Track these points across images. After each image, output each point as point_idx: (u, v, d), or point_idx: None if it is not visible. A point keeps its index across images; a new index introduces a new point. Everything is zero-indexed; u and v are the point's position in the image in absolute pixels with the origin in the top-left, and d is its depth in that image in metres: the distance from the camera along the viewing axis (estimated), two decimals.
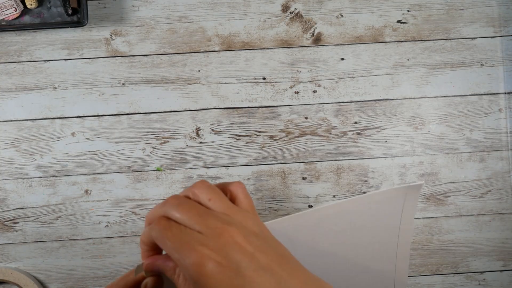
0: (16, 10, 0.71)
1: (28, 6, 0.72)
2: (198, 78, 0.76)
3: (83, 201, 0.76)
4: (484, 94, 0.77)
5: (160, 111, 0.76)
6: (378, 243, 0.38)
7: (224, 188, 0.30)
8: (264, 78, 0.77)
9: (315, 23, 0.77)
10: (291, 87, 0.77)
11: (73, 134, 0.76)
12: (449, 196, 0.78)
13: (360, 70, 0.77)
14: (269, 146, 0.77)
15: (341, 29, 0.77)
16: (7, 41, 0.76)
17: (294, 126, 0.77)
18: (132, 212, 0.76)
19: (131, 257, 0.77)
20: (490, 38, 0.77)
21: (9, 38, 0.76)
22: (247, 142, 0.77)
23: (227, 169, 0.77)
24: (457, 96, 0.77)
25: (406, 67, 0.77)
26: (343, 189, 0.77)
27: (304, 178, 0.77)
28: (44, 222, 0.76)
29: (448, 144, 0.77)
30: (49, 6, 0.73)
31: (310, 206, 0.77)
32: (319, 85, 0.77)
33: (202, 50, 0.76)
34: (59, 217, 0.76)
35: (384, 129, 0.77)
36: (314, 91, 0.77)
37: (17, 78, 0.76)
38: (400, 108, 0.77)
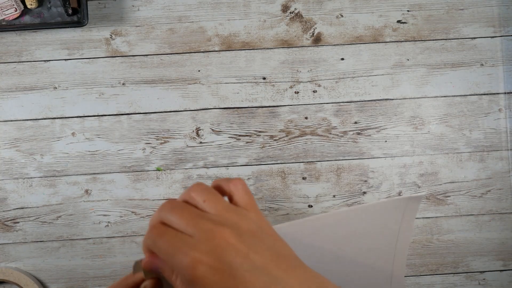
0: (16, 10, 0.71)
1: (28, 6, 0.72)
2: (198, 78, 0.77)
3: (83, 201, 0.76)
4: (484, 94, 0.78)
5: (160, 111, 0.76)
6: (376, 251, 0.38)
7: (223, 186, 0.30)
8: (264, 78, 0.77)
9: (315, 23, 0.77)
10: (291, 87, 0.77)
11: (73, 134, 0.76)
12: (449, 196, 0.78)
13: (360, 70, 0.77)
14: (269, 146, 0.77)
15: (341, 29, 0.77)
16: (7, 41, 0.76)
17: (294, 126, 0.77)
18: (132, 212, 0.76)
19: (131, 257, 0.77)
20: (490, 38, 0.77)
21: (9, 38, 0.76)
22: (247, 142, 0.77)
23: (227, 169, 0.77)
24: (457, 96, 0.78)
25: (406, 67, 0.77)
26: (343, 189, 0.77)
27: (304, 178, 0.77)
28: (44, 222, 0.76)
29: (448, 144, 0.77)
30: (49, 6, 0.73)
31: (310, 206, 0.77)
32: (319, 85, 0.77)
33: (202, 50, 0.76)
34: (59, 217, 0.76)
35: (384, 129, 0.77)
36: (314, 91, 0.77)
37: (17, 78, 0.76)
38: (400, 108, 0.77)
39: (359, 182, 0.77)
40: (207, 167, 0.77)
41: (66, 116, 0.76)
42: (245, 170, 0.77)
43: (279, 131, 0.77)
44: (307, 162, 0.77)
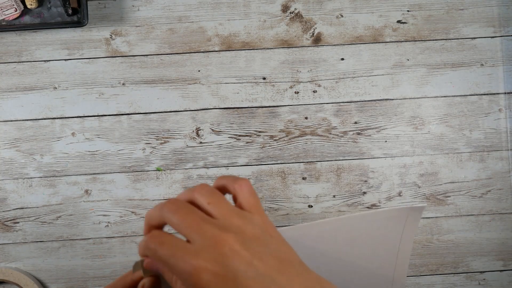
0: (16, 10, 0.71)
1: (28, 6, 0.72)
2: (198, 78, 0.76)
3: (83, 201, 0.76)
4: (484, 94, 0.77)
5: (160, 111, 0.76)
6: (377, 258, 0.38)
7: (228, 186, 0.29)
8: (264, 78, 0.77)
9: (315, 23, 0.77)
10: (291, 87, 0.77)
11: (73, 134, 0.76)
12: (449, 196, 0.78)
13: (360, 70, 0.77)
14: (269, 146, 0.77)
15: (341, 29, 0.77)
16: (7, 41, 0.76)
17: (294, 126, 0.77)
18: (132, 212, 0.76)
19: (131, 257, 0.77)
20: (490, 38, 0.77)
21: (9, 38, 0.76)
22: (247, 142, 0.77)
23: (227, 169, 0.77)
24: (457, 96, 0.77)
25: (406, 67, 0.77)
26: (343, 189, 0.77)
27: (304, 178, 0.77)
28: (44, 222, 0.76)
29: (448, 144, 0.77)
30: (49, 6, 0.73)
31: (310, 206, 0.77)
32: (319, 85, 0.77)
33: (202, 50, 0.76)
34: (59, 217, 0.76)
35: (384, 129, 0.77)
36: (314, 91, 0.77)
37: (17, 78, 0.76)
38: (400, 108, 0.77)
39: (359, 182, 0.77)
40: (207, 167, 0.77)
41: (66, 116, 0.76)
42: (245, 170, 0.77)
43: (279, 131, 0.77)
44: (307, 162, 0.77)
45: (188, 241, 0.26)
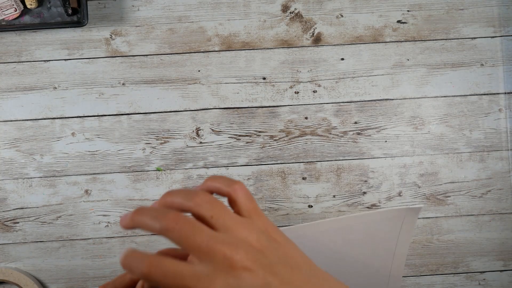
0: (16, 10, 0.71)
1: (28, 6, 0.72)
2: (198, 78, 0.76)
3: (83, 201, 0.76)
4: (484, 94, 0.78)
5: (160, 111, 0.76)
6: (375, 256, 0.38)
7: (221, 190, 0.28)
8: (264, 78, 0.77)
9: (315, 23, 0.77)
10: (291, 87, 0.77)
11: (73, 134, 0.76)
12: (449, 196, 0.78)
13: (360, 70, 0.77)
14: (269, 146, 0.77)
15: (341, 29, 0.77)
16: (7, 41, 0.76)
17: (294, 126, 0.77)
18: None
19: None
20: (490, 38, 0.77)
21: (9, 38, 0.76)
22: (247, 142, 0.77)
23: (227, 169, 0.77)
24: (457, 96, 0.78)
25: (406, 67, 0.77)
26: (343, 189, 0.77)
27: (304, 178, 0.77)
28: (44, 222, 0.76)
29: (448, 144, 0.77)
30: (49, 6, 0.73)
31: (310, 206, 0.77)
32: (319, 85, 0.77)
33: (202, 50, 0.76)
34: (59, 217, 0.76)
35: (384, 129, 0.77)
36: (314, 91, 0.77)
37: (17, 78, 0.76)
38: (400, 108, 0.77)
39: (359, 182, 0.77)
40: (207, 167, 0.77)
41: (66, 116, 0.76)
42: (245, 170, 0.77)
43: (279, 131, 0.77)
44: (307, 162, 0.77)
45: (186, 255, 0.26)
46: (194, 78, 0.76)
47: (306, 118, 0.77)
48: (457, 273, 0.78)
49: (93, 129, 0.76)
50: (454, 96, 0.77)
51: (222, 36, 0.77)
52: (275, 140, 0.77)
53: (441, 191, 0.78)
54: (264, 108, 0.77)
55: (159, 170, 0.76)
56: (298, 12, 0.77)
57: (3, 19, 0.72)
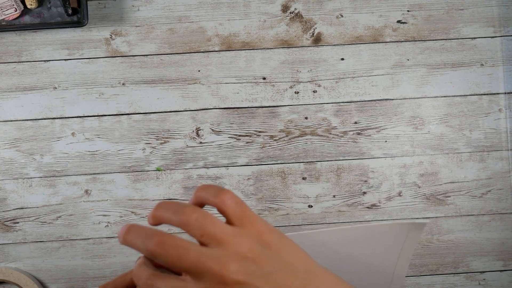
0: (16, 10, 0.71)
1: (28, 6, 0.72)
2: (198, 78, 0.76)
3: (83, 201, 0.76)
4: (484, 94, 0.78)
5: (160, 111, 0.76)
6: (375, 270, 0.38)
7: (209, 200, 0.28)
8: (264, 78, 0.77)
9: (315, 23, 0.77)
10: (291, 87, 0.77)
11: (73, 134, 0.76)
12: (449, 196, 0.78)
13: (360, 70, 0.77)
14: (269, 146, 0.77)
15: (341, 29, 0.77)
16: (7, 41, 0.76)
17: (294, 126, 0.77)
18: (132, 212, 0.76)
19: (131, 257, 0.77)
20: (490, 38, 0.77)
21: (9, 38, 0.76)
22: (247, 142, 0.77)
23: (227, 169, 0.77)
24: (457, 96, 0.78)
25: (406, 67, 0.77)
26: (343, 189, 0.77)
27: (304, 178, 0.77)
28: (44, 222, 0.76)
29: (448, 144, 0.77)
30: (49, 6, 0.73)
31: (310, 206, 0.77)
32: (319, 85, 0.77)
33: (202, 50, 0.76)
34: (59, 217, 0.76)
35: (384, 129, 0.77)
36: (314, 91, 0.77)
37: (17, 78, 0.76)
38: (400, 108, 0.77)
39: (359, 182, 0.77)
40: (207, 167, 0.77)
41: (66, 116, 0.76)
42: (245, 170, 0.77)
43: (279, 131, 0.77)
44: (307, 162, 0.77)
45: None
46: (194, 78, 0.76)
47: (306, 118, 0.77)
48: (457, 273, 0.78)
49: (93, 129, 0.76)
50: (454, 96, 0.77)
51: (222, 36, 0.77)
52: (275, 140, 0.77)
53: (441, 191, 0.78)
54: (264, 108, 0.77)
55: (159, 170, 0.76)
56: (298, 12, 0.77)
57: (3, 19, 0.72)
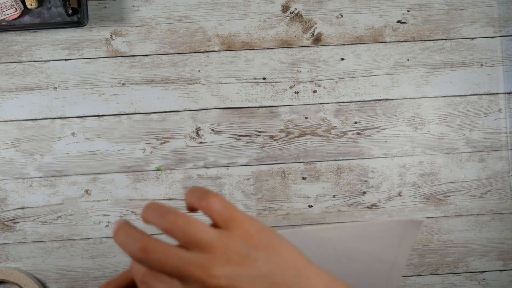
0: (16, 10, 0.71)
1: (28, 6, 0.72)
2: (198, 78, 0.77)
3: (83, 201, 0.76)
4: (484, 94, 0.78)
5: (160, 111, 0.76)
6: (371, 269, 0.38)
7: (195, 206, 0.28)
8: (264, 78, 0.77)
9: (315, 23, 0.77)
10: (291, 87, 0.77)
11: (73, 134, 0.76)
12: (449, 196, 0.78)
13: (360, 70, 0.77)
14: (269, 146, 0.77)
15: (341, 29, 0.77)
16: (7, 41, 0.76)
17: (294, 126, 0.77)
18: (132, 212, 0.76)
19: None
20: (490, 38, 0.77)
21: (9, 38, 0.76)
22: (247, 142, 0.77)
23: (227, 169, 0.77)
24: (457, 96, 0.78)
25: (406, 67, 0.77)
26: (343, 189, 0.77)
27: (304, 178, 0.77)
28: (44, 222, 0.76)
29: (448, 144, 0.77)
30: (49, 6, 0.73)
31: (310, 206, 0.77)
32: (319, 85, 0.77)
33: (202, 50, 0.77)
34: (59, 217, 0.76)
35: (384, 129, 0.77)
36: (314, 91, 0.77)
37: (17, 78, 0.76)
38: (400, 108, 0.77)
39: (359, 182, 0.77)
40: (207, 167, 0.77)
41: (66, 116, 0.76)
42: (245, 170, 0.77)
43: (279, 131, 0.77)
44: (307, 162, 0.77)
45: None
46: (194, 78, 0.77)
47: (306, 118, 0.77)
48: (457, 273, 0.78)
49: (93, 129, 0.76)
50: (454, 96, 0.78)
51: (222, 36, 0.77)
52: (275, 140, 0.77)
53: (441, 191, 0.78)
54: (264, 108, 0.77)
55: (159, 170, 0.76)
56: (298, 12, 0.77)
57: (3, 19, 0.72)
